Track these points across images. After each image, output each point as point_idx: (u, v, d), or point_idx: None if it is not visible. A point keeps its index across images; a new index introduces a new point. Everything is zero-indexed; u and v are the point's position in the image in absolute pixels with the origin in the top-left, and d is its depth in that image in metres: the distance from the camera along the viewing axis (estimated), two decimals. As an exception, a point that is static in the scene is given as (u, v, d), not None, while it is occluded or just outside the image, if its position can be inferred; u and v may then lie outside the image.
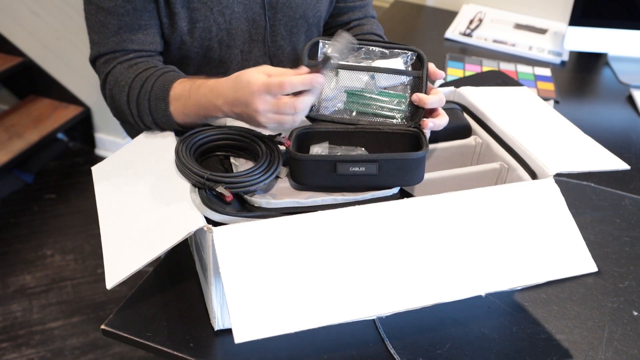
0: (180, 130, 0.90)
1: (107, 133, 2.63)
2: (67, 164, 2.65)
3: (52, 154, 2.68)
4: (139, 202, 0.80)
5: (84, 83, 2.54)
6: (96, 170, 0.90)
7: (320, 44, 0.91)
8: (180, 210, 0.75)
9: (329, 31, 1.21)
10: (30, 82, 2.67)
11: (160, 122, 0.90)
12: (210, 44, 1.02)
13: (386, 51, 0.91)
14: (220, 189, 0.74)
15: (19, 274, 2.11)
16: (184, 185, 0.78)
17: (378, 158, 0.77)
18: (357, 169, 0.78)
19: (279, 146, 0.83)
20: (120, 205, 0.82)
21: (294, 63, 1.12)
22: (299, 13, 1.08)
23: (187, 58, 1.04)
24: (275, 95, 0.77)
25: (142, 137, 0.92)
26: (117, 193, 0.84)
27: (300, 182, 0.80)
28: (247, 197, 0.76)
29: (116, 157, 0.91)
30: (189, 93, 0.87)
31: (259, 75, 0.78)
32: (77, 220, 2.36)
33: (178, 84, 0.89)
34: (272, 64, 1.10)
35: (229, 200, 0.74)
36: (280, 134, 0.83)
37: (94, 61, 0.99)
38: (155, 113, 0.90)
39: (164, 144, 0.89)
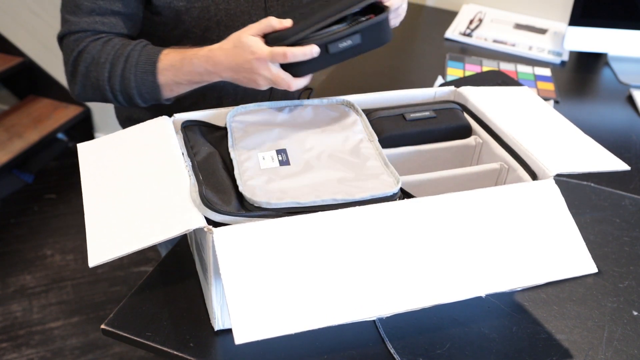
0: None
1: (107, 133, 2.63)
2: (67, 164, 2.66)
3: (52, 154, 2.68)
4: (131, 189, 0.80)
5: (84, 83, 2.54)
6: (82, 148, 0.89)
7: None
8: (179, 206, 0.75)
9: None
10: (30, 82, 2.67)
11: (145, 93, 0.95)
12: (209, 24, 1.03)
13: None
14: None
15: (19, 274, 2.12)
16: (183, 182, 0.78)
17: (360, 28, 0.84)
18: (345, 44, 0.84)
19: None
20: (109, 187, 0.81)
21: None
22: None
23: (186, 38, 1.05)
24: (277, 62, 0.84)
25: (139, 127, 0.91)
26: (106, 175, 0.84)
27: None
28: (247, 196, 0.77)
29: (107, 139, 0.91)
30: (180, 64, 0.92)
31: (260, 42, 0.85)
32: (77, 220, 2.36)
33: (165, 55, 0.94)
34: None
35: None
36: None
37: (61, 38, 1.01)
38: (141, 86, 0.94)
39: (162, 137, 0.88)
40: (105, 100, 0.98)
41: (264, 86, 0.88)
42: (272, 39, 0.85)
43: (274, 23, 0.85)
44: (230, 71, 0.88)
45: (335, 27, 0.85)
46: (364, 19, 0.86)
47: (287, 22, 0.85)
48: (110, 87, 0.95)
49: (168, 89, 0.95)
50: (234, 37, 0.88)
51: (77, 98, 1.01)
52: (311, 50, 0.84)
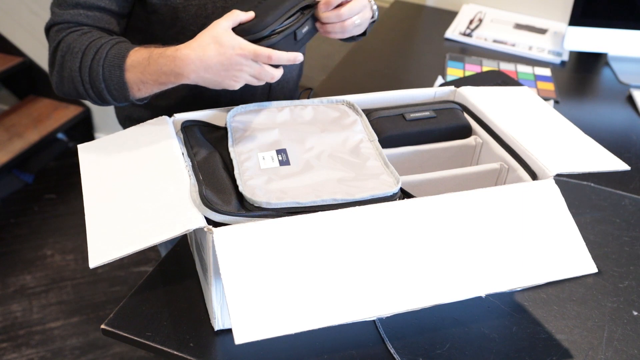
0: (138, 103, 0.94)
1: (107, 133, 2.63)
2: (67, 164, 2.66)
3: (52, 154, 2.68)
4: (131, 189, 0.80)
5: (84, 83, 2.54)
6: (83, 148, 0.89)
7: None
8: (179, 207, 0.75)
9: None
10: (30, 82, 2.67)
11: (113, 89, 0.92)
12: (206, 22, 1.03)
13: None
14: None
15: (19, 274, 2.12)
16: (183, 182, 0.78)
17: (312, 13, 0.91)
18: (305, 29, 0.91)
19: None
20: (110, 187, 0.81)
21: None
22: None
23: (183, 36, 1.04)
24: (260, 62, 0.85)
25: (139, 127, 0.92)
26: (106, 175, 0.84)
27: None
28: (247, 196, 0.77)
29: (107, 140, 0.91)
30: (147, 61, 0.89)
31: (240, 38, 0.84)
32: (77, 220, 2.36)
33: (134, 52, 0.91)
34: None
35: None
36: None
37: (48, 30, 1.01)
38: (109, 80, 0.91)
39: (162, 137, 0.88)
40: (79, 94, 0.96)
41: (242, 83, 0.86)
42: (240, 30, 0.86)
43: (241, 16, 0.86)
44: (204, 71, 0.85)
45: (293, 17, 0.90)
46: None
47: (251, 14, 0.87)
48: (81, 79, 0.93)
49: (136, 88, 0.91)
50: (207, 35, 0.85)
51: (57, 91, 1.00)
52: (295, 57, 0.86)
